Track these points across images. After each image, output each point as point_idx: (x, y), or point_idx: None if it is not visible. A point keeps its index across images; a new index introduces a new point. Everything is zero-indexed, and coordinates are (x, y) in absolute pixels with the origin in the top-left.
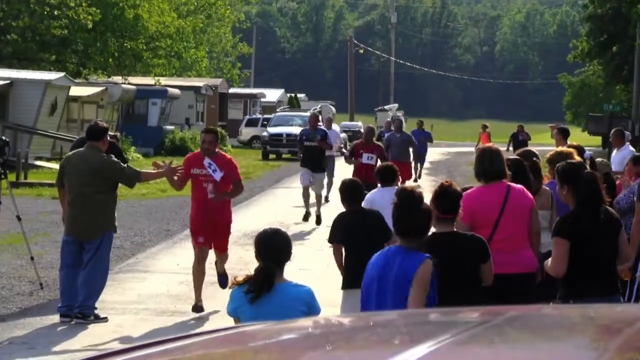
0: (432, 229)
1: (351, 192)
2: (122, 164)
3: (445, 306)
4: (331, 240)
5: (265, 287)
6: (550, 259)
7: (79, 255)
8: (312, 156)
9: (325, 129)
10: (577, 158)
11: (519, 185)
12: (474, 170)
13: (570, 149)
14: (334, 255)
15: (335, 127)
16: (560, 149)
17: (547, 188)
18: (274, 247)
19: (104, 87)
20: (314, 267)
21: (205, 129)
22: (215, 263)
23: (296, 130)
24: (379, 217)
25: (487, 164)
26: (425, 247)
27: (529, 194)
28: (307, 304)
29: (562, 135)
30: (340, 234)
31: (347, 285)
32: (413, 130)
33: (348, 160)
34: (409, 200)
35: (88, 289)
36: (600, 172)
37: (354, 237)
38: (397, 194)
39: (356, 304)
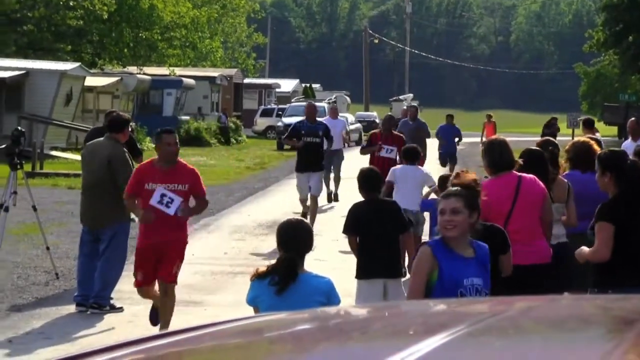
0: None
1: (368, 180)
2: (131, 168)
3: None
4: (345, 231)
5: (291, 278)
6: (583, 247)
7: (95, 245)
8: (312, 156)
9: (326, 123)
10: (597, 148)
11: (530, 175)
12: (483, 162)
13: (588, 139)
14: (350, 244)
15: (347, 115)
16: (577, 139)
17: (564, 179)
18: (298, 237)
19: (119, 78)
20: (330, 257)
21: (163, 129)
22: (160, 300)
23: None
24: (395, 208)
25: (497, 156)
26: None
27: (540, 183)
28: (326, 295)
29: (588, 126)
30: (355, 224)
31: (361, 275)
32: (441, 125)
33: (363, 150)
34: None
35: (103, 279)
36: None
37: (368, 227)
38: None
39: (370, 294)
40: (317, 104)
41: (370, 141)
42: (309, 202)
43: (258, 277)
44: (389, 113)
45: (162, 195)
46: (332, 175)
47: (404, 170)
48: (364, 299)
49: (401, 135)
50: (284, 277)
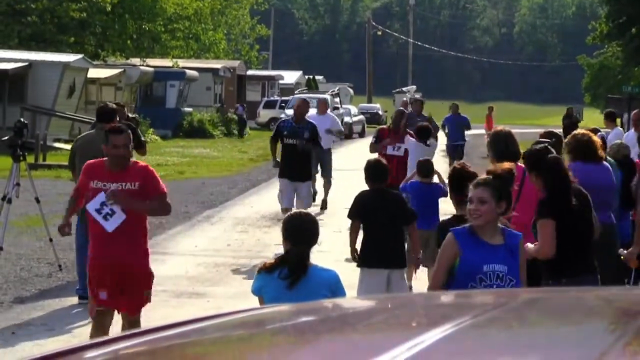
0: (454, 212)
1: (375, 171)
2: None
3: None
4: (350, 216)
5: (302, 271)
6: (528, 244)
7: None
8: (296, 160)
9: (314, 122)
10: (597, 140)
11: None
12: (489, 153)
13: (586, 132)
14: (350, 231)
15: (351, 107)
16: (577, 131)
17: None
18: (307, 230)
19: (122, 69)
20: (333, 249)
21: (111, 127)
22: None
23: (314, 112)
24: (400, 199)
25: (502, 147)
26: (447, 230)
27: None
28: (331, 289)
29: (610, 118)
30: (360, 210)
31: (363, 263)
32: (446, 116)
33: (372, 147)
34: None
35: None
36: (620, 154)
37: (374, 216)
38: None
39: (373, 283)
40: (319, 96)
41: (379, 137)
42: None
43: (267, 269)
44: (401, 108)
45: (102, 204)
46: (322, 181)
47: (414, 145)
48: (366, 287)
49: (409, 133)
50: (295, 270)
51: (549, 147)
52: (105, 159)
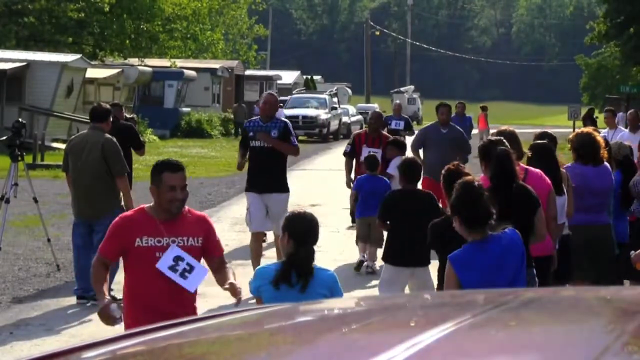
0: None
1: (410, 170)
2: (120, 154)
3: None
4: (380, 218)
5: (310, 274)
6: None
7: (89, 237)
8: (265, 167)
9: (286, 120)
10: (601, 140)
11: (536, 170)
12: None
13: (591, 131)
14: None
15: (349, 106)
16: (581, 130)
17: (563, 170)
18: (313, 230)
19: (120, 69)
20: (330, 249)
21: (165, 163)
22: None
23: (313, 112)
24: (431, 199)
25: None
26: (438, 230)
27: (546, 178)
28: (329, 289)
29: (611, 117)
30: (390, 214)
31: (390, 260)
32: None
33: (347, 157)
34: (469, 191)
35: None
36: (620, 154)
37: (403, 216)
38: (457, 187)
39: (396, 279)
40: (317, 95)
41: (354, 144)
42: (270, 239)
43: (264, 269)
44: (377, 110)
45: (177, 259)
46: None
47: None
48: (387, 282)
49: (389, 136)
50: (306, 273)
51: (504, 140)
52: (145, 206)
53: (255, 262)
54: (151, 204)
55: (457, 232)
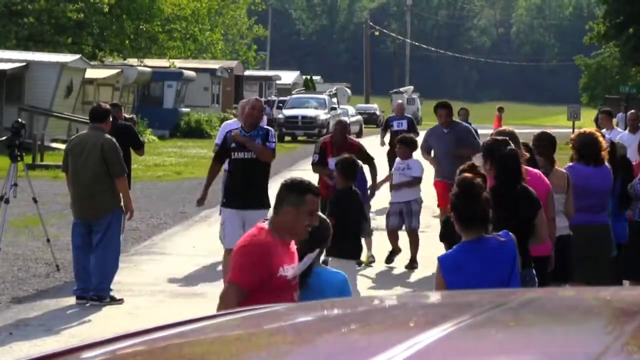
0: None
1: (347, 168)
2: (120, 155)
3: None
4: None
5: (310, 274)
6: None
7: (89, 237)
8: (248, 181)
9: (269, 128)
10: (603, 141)
11: (536, 170)
12: None
13: (593, 131)
14: None
15: (348, 107)
16: (583, 129)
17: (563, 170)
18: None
19: (120, 70)
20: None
21: (308, 183)
22: None
23: (312, 112)
24: (357, 196)
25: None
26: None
27: (545, 179)
28: (339, 291)
29: (608, 118)
30: (333, 208)
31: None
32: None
33: (315, 168)
34: (468, 188)
35: (101, 271)
36: (618, 155)
37: (342, 213)
38: (457, 182)
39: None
40: (317, 95)
41: (321, 152)
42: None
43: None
44: (342, 119)
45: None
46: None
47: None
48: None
49: (354, 144)
50: (308, 273)
51: (509, 141)
52: (266, 226)
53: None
54: (271, 224)
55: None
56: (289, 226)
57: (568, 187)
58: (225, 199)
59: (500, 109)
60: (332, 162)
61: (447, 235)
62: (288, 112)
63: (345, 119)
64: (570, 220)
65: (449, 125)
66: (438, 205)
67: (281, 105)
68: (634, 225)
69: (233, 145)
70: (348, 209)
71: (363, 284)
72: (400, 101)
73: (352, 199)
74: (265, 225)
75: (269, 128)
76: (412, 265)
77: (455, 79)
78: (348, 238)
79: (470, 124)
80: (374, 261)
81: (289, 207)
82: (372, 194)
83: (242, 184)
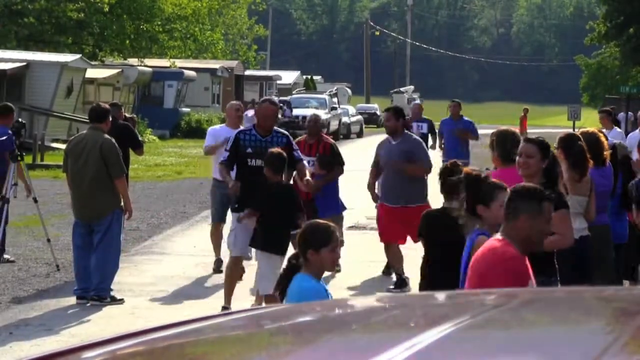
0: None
1: (275, 162)
2: (119, 155)
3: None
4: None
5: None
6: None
7: (89, 237)
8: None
9: (287, 134)
10: (605, 141)
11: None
12: (494, 152)
13: (595, 131)
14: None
15: (348, 107)
16: (585, 129)
17: (588, 175)
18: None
19: (120, 69)
20: None
21: (543, 191)
22: None
23: (312, 112)
24: (294, 192)
25: (509, 146)
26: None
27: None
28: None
29: (608, 118)
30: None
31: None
32: (443, 119)
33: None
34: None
35: (102, 271)
36: (620, 155)
37: (271, 207)
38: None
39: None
40: (317, 95)
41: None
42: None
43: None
44: (315, 113)
45: None
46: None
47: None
48: (264, 269)
49: (328, 141)
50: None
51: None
52: (507, 239)
53: (229, 289)
54: (508, 236)
55: (446, 225)
56: (531, 232)
57: (591, 191)
58: (238, 205)
59: (526, 110)
60: (305, 159)
61: (424, 230)
62: (297, 112)
63: (345, 118)
64: (590, 222)
65: (459, 119)
66: (381, 239)
67: (281, 105)
68: (634, 225)
69: (249, 150)
70: (277, 203)
71: (341, 291)
72: (418, 102)
73: (283, 193)
74: (503, 237)
75: (288, 134)
76: (389, 271)
77: (455, 79)
78: (275, 232)
79: (469, 122)
80: (339, 271)
81: (526, 215)
82: (309, 185)
83: (254, 192)
